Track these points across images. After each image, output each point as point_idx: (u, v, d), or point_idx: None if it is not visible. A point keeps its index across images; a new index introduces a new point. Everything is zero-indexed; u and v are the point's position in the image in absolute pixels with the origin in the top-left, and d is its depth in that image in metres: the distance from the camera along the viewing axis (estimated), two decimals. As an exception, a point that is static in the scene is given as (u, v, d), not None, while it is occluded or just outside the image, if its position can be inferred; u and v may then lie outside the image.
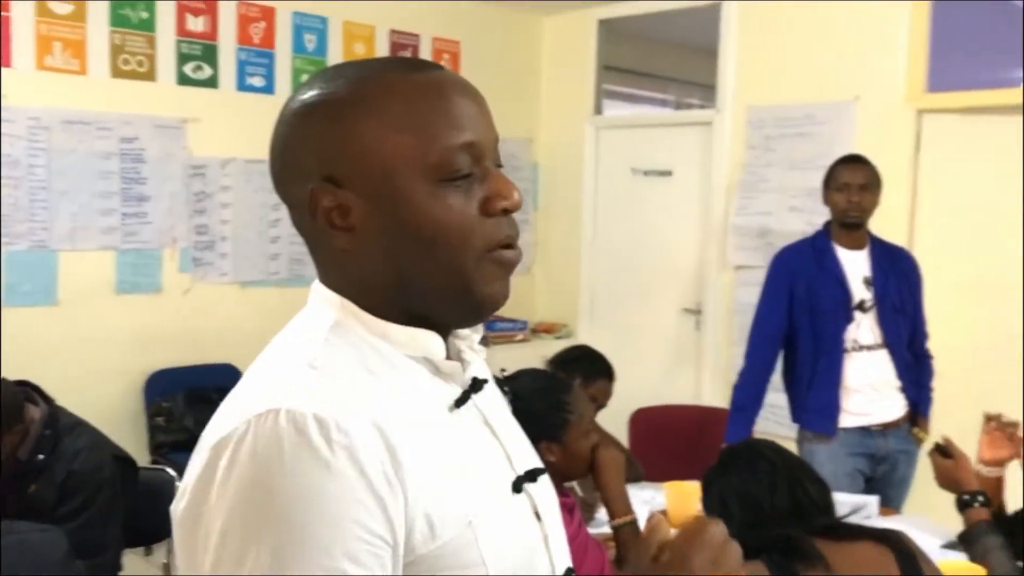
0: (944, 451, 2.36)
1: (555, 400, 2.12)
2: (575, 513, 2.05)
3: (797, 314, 3.24)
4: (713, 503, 1.97)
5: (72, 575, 1.97)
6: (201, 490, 0.77)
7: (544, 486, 0.98)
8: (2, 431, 2.47)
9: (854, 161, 3.27)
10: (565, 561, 0.97)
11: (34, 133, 3.93)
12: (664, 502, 2.69)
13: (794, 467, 1.93)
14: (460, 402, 0.91)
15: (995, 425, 2.50)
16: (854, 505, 2.40)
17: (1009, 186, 4.04)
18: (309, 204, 0.86)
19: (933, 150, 4.19)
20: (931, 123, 4.19)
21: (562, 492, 2.06)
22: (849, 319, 3.17)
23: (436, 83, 0.87)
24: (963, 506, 2.25)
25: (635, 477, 2.96)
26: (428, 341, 0.89)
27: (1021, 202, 4.01)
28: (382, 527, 0.76)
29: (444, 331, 0.92)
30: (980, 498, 2.23)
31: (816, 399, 3.22)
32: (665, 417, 3.75)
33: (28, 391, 2.68)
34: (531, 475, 0.95)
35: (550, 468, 1.07)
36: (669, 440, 3.53)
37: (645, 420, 3.68)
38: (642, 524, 2.59)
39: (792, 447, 3.28)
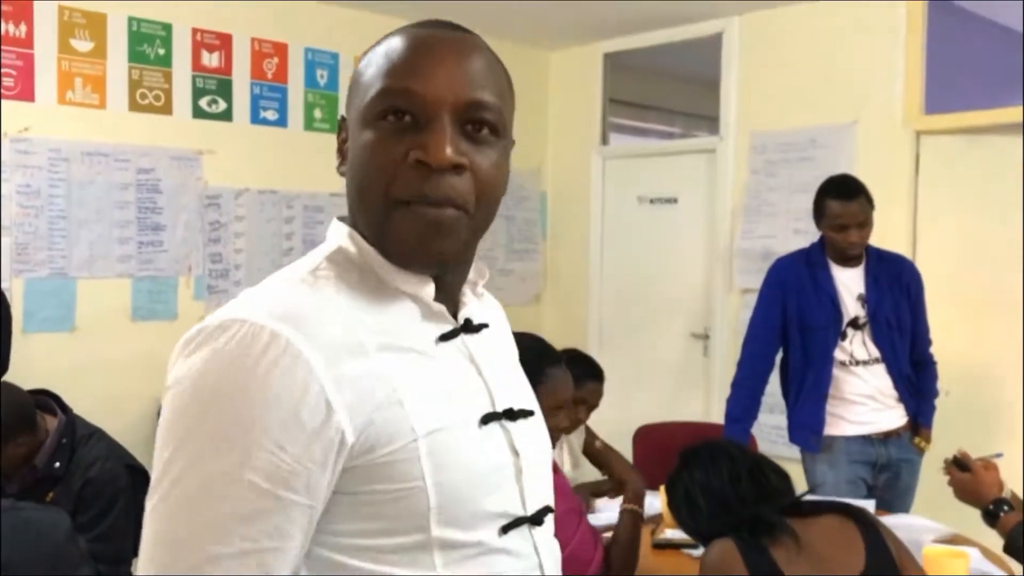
0: (961, 464, 2.33)
1: (531, 359, 2.17)
2: (583, 517, 2.09)
3: (789, 329, 3.28)
4: (679, 502, 2.02)
5: (73, 556, 2.02)
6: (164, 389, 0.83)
7: (529, 428, 1.00)
8: (13, 437, 2.53)
9: (846, 195, 3.10)
10: (541, 500, 0.98)
11: (54, 164, 4.06)
12: (659, 506, 2.72)
13: (754, 458, 1.98)
14: (446, 337, 0.94)
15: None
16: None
17: (1009, 204, 4.08)
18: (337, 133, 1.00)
19: (932, 171, 4.24)
20: (929, 144, 4.25)
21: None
22: (840, 336, 3.19)
23: (419, 37, 0.91)
24: (991, 517, 2.21)
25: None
26: (418, 282, 0.92)
27: (1020, 220, 4.06)
28: (302, 448, 0.78)
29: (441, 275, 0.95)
30: (1005, 507, 2.20)
31: (801, 413, 3.25)
32: (667, 432, 3.78)
33: (46, 400, 2.74)
34: (511, 414, 0.96)
35: None
36: (671, 453, 3.55)
37: (648, 435, 3.72)
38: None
39: (797, 467, 3.31)
